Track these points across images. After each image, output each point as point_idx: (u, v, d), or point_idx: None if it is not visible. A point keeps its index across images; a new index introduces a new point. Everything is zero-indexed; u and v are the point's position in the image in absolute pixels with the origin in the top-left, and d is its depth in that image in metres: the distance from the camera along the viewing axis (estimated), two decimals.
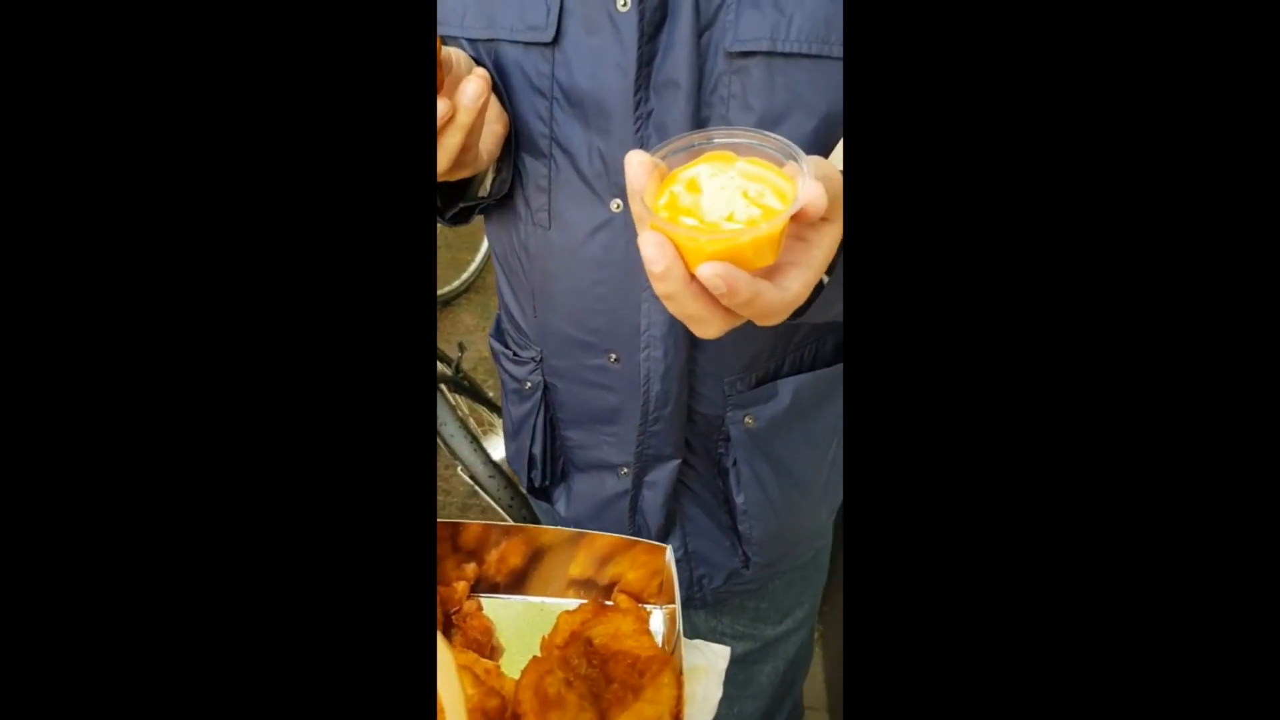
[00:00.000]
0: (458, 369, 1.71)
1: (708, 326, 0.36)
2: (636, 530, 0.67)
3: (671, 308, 0.36)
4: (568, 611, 0.52)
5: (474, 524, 0.56)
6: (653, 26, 0.50)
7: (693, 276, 0.34)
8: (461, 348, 1.76)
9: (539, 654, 0.51)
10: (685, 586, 0.68)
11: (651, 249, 0.33)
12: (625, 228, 0.55)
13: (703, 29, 0.49)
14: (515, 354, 0.68)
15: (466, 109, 0.45)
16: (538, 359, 0.66)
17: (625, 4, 0.49)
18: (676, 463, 0.63)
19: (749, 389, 0.61)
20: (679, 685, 0.48)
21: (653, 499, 0.65)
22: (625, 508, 0.66)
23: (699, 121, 0.51)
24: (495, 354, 0.72)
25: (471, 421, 1.68)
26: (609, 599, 0.56)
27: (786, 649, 0.80)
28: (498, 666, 0.52)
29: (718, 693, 0.52)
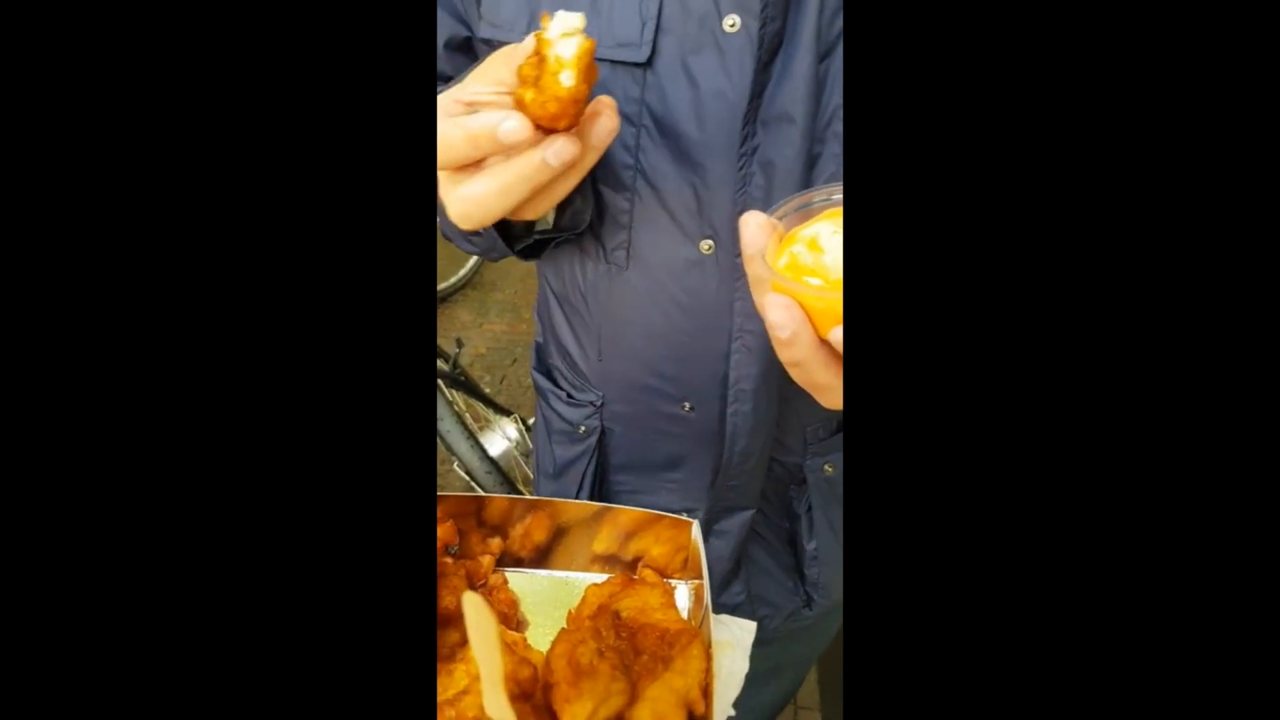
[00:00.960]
0: (455, 364, 1.70)
1: (835, 395, 0.33)
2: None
3: (796, 375, 0.33)
4: (595, 584, 0.53)
5: (499, 498, 0.56)
6: (768, 53, 0.44)
7: (822, 341, 0.32)
8: (459, 343, 1.76)
9: (566, 626, 0.51)
10: None
11: (778, 312, 0.31)
12: (715, 271, 0.50)
13: (823, 55, 0.44)
14: (570, 396, 0.63)
15: (596, 150, 0.39)
16: (597, 404, 0.61)
17: (734, 24, 0.43)
18: (750, 513, 0.60)
19: (830, 435, 0.59)
20: (708, 658, 0.48)
21: (721, 547, 0.61)
22: None
23: (810, 160, 0.46)
24: (541, 390, 0.66)
25: (468, 417, 1.68)
26: (634, 574, 0.56)
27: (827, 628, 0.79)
28: (524, 639, 0.52)
29: (744, 666, 0.52)
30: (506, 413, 1.76)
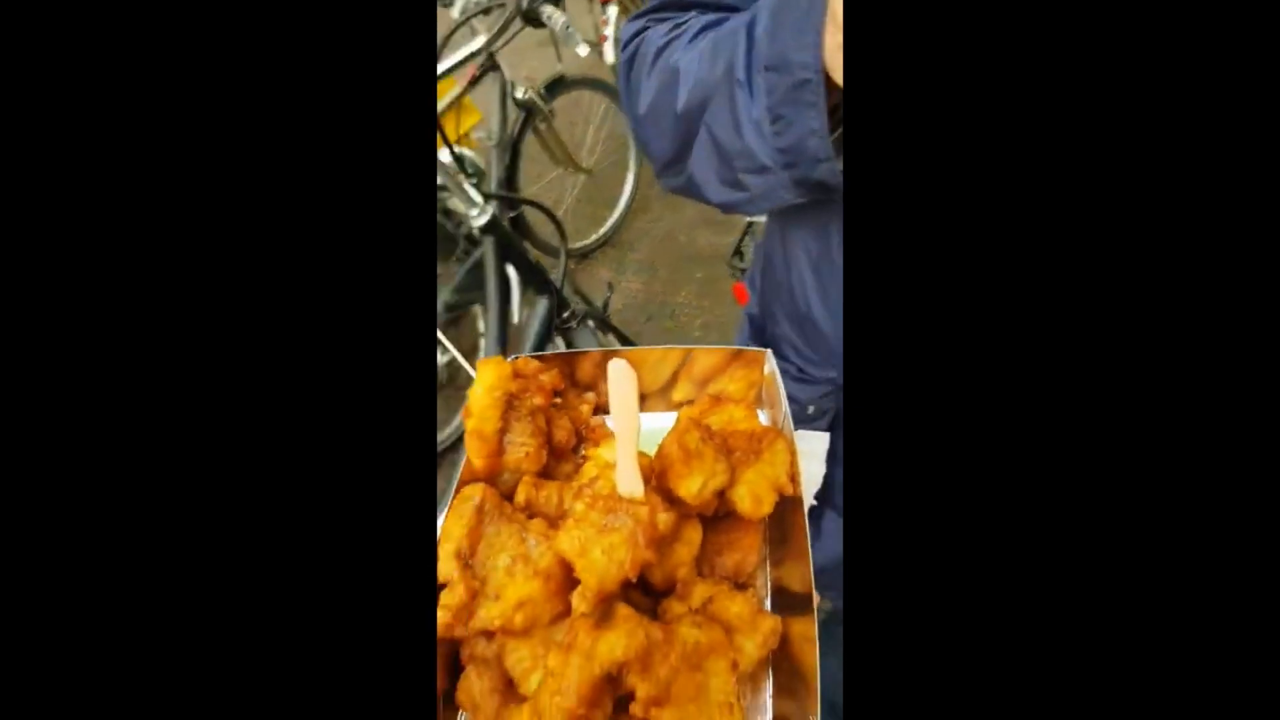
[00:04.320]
0: (606, 307, 1.82)
1: None
2: None
3: None
4: (688, 406, 0.60)
5: (588, 356, 0.63)
6: None
7: None
8: (610, 288, 1.91)
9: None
10: None
11: None
12: None
13: None
14: (801, 371, 0.62)
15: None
16: (839, 382, 0.59)
17: None
18: None
19: None
20: (793, 452, 0.55)
21: None
22: None
23: None
24: None
25: None
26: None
27: None
28: None
29: (821, 469, 0.59)
30: None
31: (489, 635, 0.53)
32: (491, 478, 0.58)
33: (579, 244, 2.70)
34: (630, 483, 0.50)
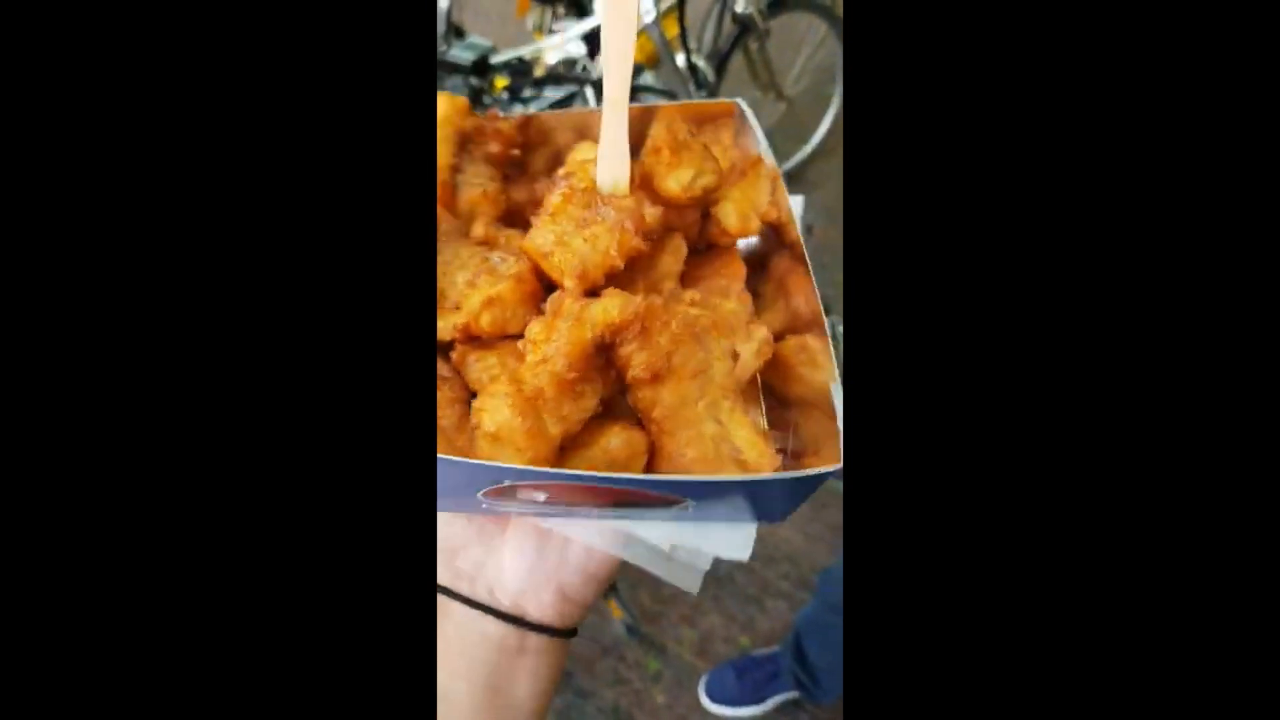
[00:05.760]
0: (808, 232, 1.73)
1: None
2: None
3: None
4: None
5: (559, 120, 0.59)
6: None
7: None
8: (810, 230, 1.78)
9: None
10: None
11: None
12: None
13: None
14: None
15: None
16: None
17: None
18: None
19: None
20: (776, 180, 0.52)
21: None
22: None
23: None
24: None
25: None
26: None
27: None
28: None
29: (801, 198, 0.57)
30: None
31: (444, 350, 0.47)
32: (448, 212, 0.52)
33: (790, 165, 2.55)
34: (615, 169, 0.45)
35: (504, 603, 0.45)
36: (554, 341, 0.40)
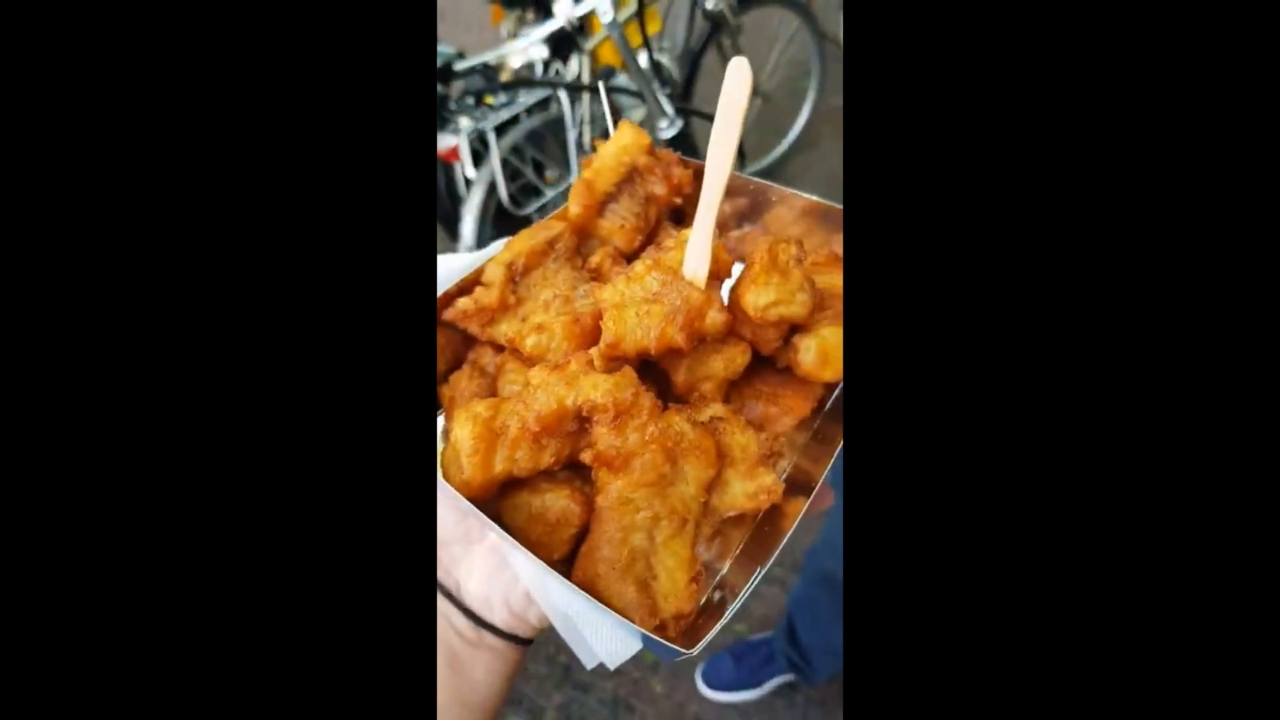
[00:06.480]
0: None
1: None
2: None
3: None
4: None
5: (733, 186, 0.56)
6: None
7: None
8: None
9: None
10: None
11: None
12: None
13: None
14: None
15: None
16: None
17: None
18: None
19: None
20: None
21: None
22: None
23: None
24: None
25: None
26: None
27: None
28: None
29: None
30: None
31: (498, 349, 0.51)
32: (580, 232, 0.56)
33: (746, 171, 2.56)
34: (697, 261, 0.46)
35: (467, 601, 0.49)
36: (538, 395, 0.43)
